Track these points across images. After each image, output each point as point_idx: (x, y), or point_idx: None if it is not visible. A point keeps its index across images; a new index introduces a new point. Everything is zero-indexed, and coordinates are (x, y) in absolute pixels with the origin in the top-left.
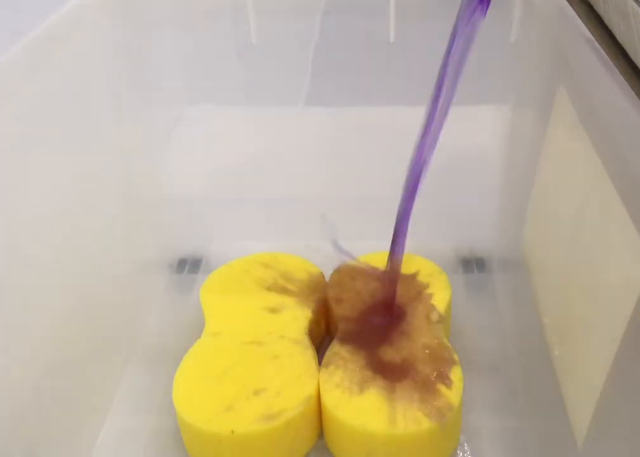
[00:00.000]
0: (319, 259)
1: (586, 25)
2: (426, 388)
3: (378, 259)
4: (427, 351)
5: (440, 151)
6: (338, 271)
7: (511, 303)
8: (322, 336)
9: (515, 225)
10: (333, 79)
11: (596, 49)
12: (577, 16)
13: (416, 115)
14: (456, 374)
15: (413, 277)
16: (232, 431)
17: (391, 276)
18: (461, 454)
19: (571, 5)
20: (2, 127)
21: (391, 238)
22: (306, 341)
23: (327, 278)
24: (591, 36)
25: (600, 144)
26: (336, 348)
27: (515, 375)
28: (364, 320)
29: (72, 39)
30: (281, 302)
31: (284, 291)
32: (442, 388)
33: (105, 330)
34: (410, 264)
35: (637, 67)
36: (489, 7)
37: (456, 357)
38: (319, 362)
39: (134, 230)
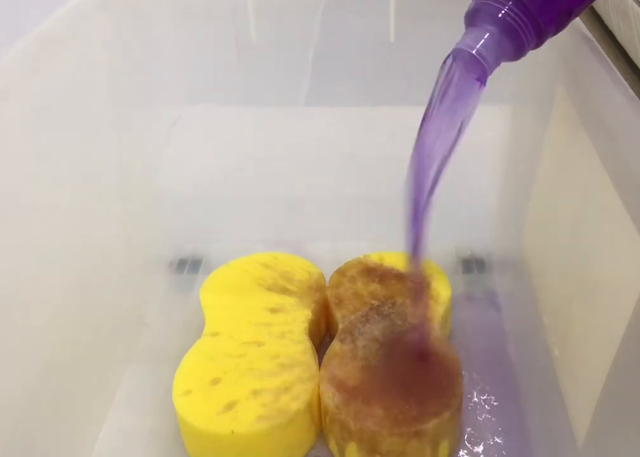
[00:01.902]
0: (319, 259)
1: (586, 25)
2: (427, 388)
3: (385, 258)
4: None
5: None
6: (338, 271)
7: (511, 303)
8: (322, 336)
9: (515, 225)
10: (333, 78)
11: (596, 49)
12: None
13: (416, 115)
14: (456, 373)
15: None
16: (232, 431)
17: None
18: (461, 454)
19: None
20: (2, 127)
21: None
22: (306, 341)
23: (327, 279)
24: (591, 36)
25: (600, 144)
26: (336, 348)
27: (515, 375)
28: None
29: (72, 39)
30: (281, 302)
31: (284, 291)
32: (442, 387)
33: (105, 330)
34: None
35: (637, 67)
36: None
37: (456, 356)
38: (319, 362)
39: (134, 230)
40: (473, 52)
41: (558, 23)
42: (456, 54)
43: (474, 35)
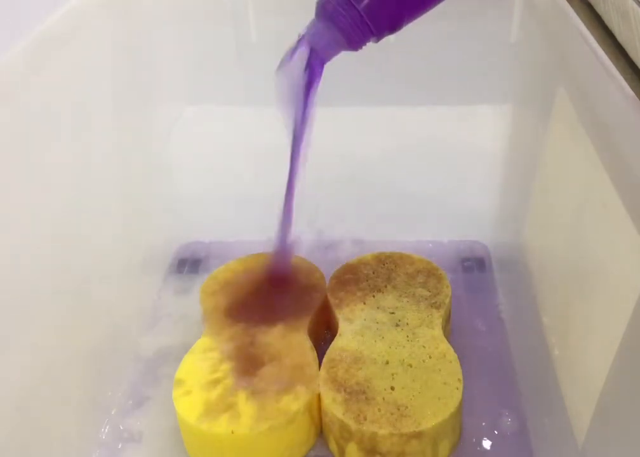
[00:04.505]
0: (318, 259)
1: (586, 25)
2: (428, 389)
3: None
4: (427, 352)
5: (440, 151)
6: (338, 272)
7: (511, 303)
8: (322, 336)
9: (515, 225)
10: (333, 79)
11: (596, 49)
12: (577, 16)
13: (416, 115)
14: (456, 374)
15: (412, 276)
16: (232, 432)
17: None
18: (461, 454)
19: (571, 5)
20: (2, 127)
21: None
22: (306, 341)
23: (327, 279)
24: (591, 36)
25: (600, 144)
26: (336, 349)
27: (516, 375)
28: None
29: (72, 39)
30: (281, 302)
31: (284, 291)
32: (443, 388)
33: (105, 330)
34: (410, 264)
35: (637, 67)
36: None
37: (455, 356)
38: (319, 362)
39: (134, 230)
40: (313, 45)
41: (390, 29)
42: (303, 42)
43: (316, 29)
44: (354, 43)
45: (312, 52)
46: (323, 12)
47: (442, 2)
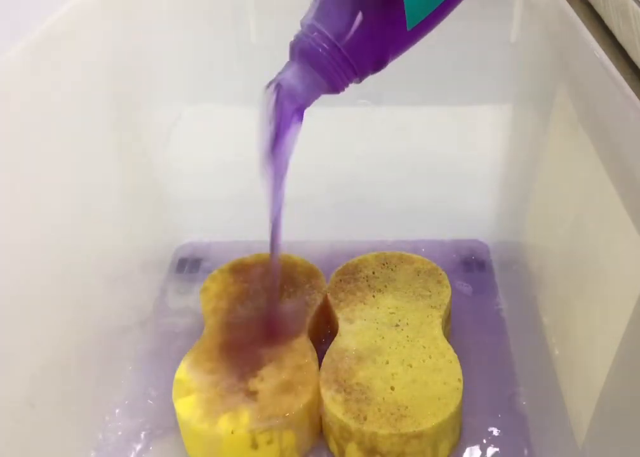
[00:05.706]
0: (318, 259)
1: (586, 25)
2: (428, 389)
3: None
4: (427, 352)
5: (440, 151)
6: (337, 272)
7: (511, 303)
8: (322, 336)
9: (515, 225)
10: None
11: (596, 49)
12: (577, 16)
13: (415, 115)
14: (456, 374)
15: (412, 276)
16: (232, 432)
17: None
18: (461, 454)
19: (571, 5)
20: (2, 127)
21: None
22: (306, 342)
23: (327, 279)
24: (591, 36)
25: (600, 144)
26: (336, 349)
27: (515, 375)
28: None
29: (72, 39)
30: (281, 302)
31: (284, 291)
32: (443, 388)
33: (105, 330)
34: (410, 264)
35: (637, 67)
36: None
37: (455, 356)
38: (319, 362)
39: (134, 230)
40: (291, 90)
41: (374, 68)
42: (278, 87)
43: (293, 71)
44: (337, 85)
45: (289, 98)
46: (300, 52)
47: (426, 35)
